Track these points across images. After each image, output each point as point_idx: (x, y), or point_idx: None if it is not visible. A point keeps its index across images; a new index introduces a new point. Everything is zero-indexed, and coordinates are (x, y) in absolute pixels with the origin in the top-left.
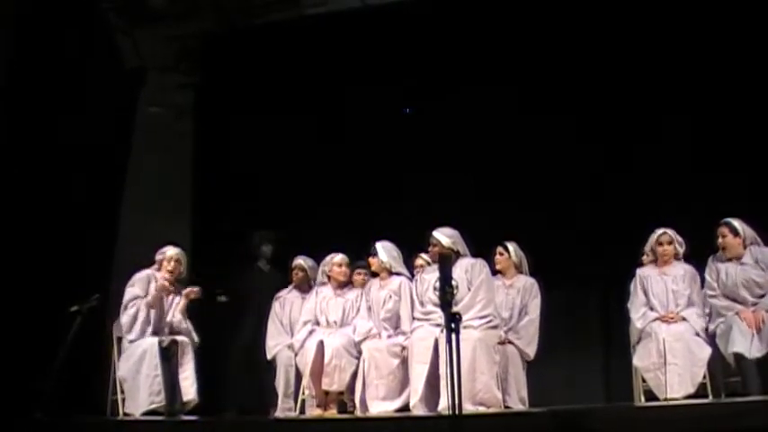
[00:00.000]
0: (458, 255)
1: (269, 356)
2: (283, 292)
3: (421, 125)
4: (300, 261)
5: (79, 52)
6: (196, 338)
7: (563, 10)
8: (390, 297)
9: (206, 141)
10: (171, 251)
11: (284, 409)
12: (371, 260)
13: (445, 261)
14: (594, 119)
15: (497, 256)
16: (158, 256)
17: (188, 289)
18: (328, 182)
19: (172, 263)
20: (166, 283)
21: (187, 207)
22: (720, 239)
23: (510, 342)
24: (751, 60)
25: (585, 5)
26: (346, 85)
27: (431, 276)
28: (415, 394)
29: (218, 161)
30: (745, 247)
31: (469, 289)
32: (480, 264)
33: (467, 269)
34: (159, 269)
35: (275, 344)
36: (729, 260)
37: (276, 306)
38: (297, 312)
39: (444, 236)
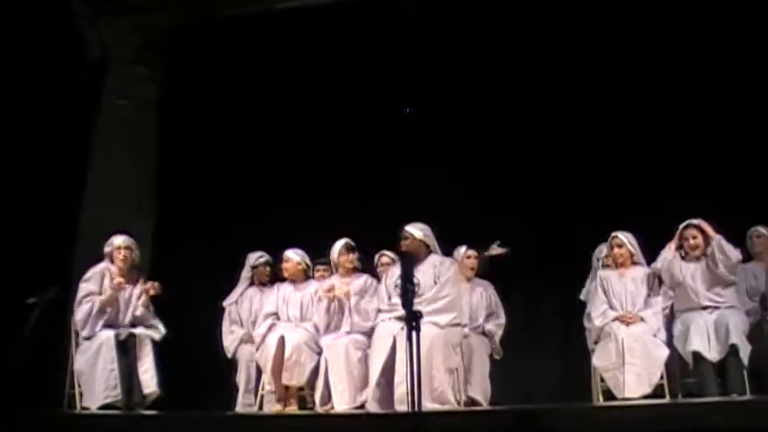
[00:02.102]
0: (428, 249)
1: (228, 356)
2: (235, 294)
3: (390, 126)
4: (267, 257)
5: (42, 41)
6: (163, 330)
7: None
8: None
9: (169, 134)
10: (118, 240)
11: (245, 404)
12: (350, 257)
13: (408, 259)
14: (562, 121)
15: (474, 260)
16: (107, 248)
17: (147, 284)
18: (292, 179)
19: (122, 251)
20: (122, 281)
21: (150, 199)
22: (691, 240)
23: (484, 334)
24: (725, 62)
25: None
26: (314, 81)
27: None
28: (369, 389)
29: (182, 154)
30: (707, 245)
31: (435, 283)
32: (449, 262)
33: (435, 265)
34: (112, 262)
35: (231, 342)
36: (695, 259)
37: (232, 308)
38: (257, 306)
39: (417, 229)
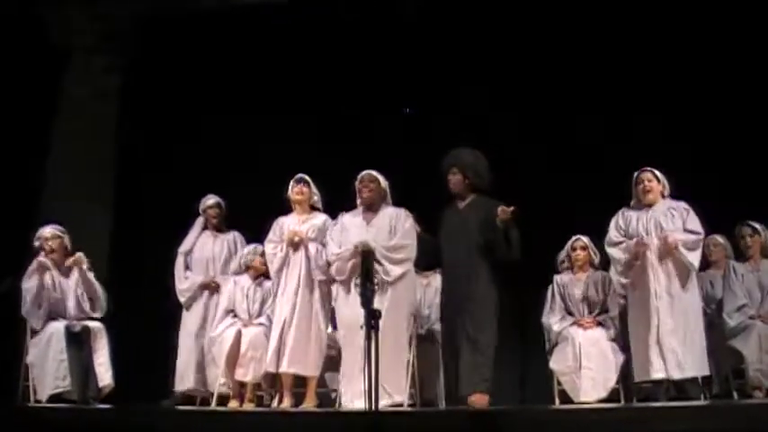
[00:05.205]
0: (384, 201)
1: (182, 300)
2: (189, 240)
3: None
4: (218, 199)
5: (4, 27)
6: (104, 305)
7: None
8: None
9: (130, 124)
10: (45, 232)
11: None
12: (303, 188)
13: (367, 256)
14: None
15: None
16: (36, 243)
17: (70, 260)
18: (252, 164)
19: (49, 242)
20: (44, 260)
21: (109, 191)
22: (646, 183)
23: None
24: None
25: None
26: (275, 72)
27: (357, 225)
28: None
29: (142, 145)
30: (663, 197)
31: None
32: (405, 213)
33: (392, 216)
34: (46, 254)
35: (188, 285)
36: (643, 207)
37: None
38: (209, 251)
39: (382, 176)
